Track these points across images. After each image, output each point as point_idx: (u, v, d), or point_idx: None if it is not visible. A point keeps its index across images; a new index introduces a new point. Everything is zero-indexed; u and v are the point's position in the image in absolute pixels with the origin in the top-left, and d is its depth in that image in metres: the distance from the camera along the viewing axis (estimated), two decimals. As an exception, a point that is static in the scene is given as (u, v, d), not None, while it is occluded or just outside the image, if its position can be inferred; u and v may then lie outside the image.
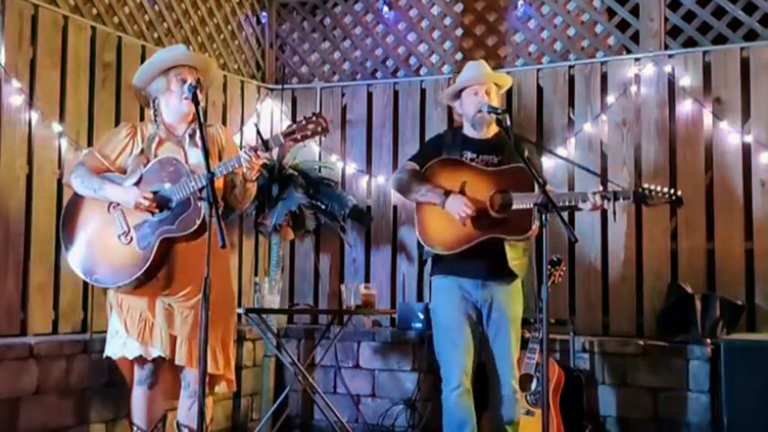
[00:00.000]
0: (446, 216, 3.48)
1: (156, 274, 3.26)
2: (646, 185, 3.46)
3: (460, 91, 3.70)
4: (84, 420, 4.03)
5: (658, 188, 3.41)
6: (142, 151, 3.35)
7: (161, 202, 3.24)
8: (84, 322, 4.32)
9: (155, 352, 3.26)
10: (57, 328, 4.18)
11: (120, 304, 3.29)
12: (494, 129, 3.67)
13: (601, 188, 3.58)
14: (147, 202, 3.21)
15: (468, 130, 3.70)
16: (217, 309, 3.25)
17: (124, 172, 3.35)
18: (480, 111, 3.56)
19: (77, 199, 3.36)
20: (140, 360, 3.31)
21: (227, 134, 3.55)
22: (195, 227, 3.18)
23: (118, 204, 3.28)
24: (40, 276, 4.11)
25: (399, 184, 3.67)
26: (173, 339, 3.26)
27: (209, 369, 3.22)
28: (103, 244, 3.28)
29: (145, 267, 3.20)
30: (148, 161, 3.33)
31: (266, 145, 3.18)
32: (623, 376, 4.49)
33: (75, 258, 3.32)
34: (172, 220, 3.24)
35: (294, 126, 3.16)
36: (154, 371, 3.37)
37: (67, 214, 3.36)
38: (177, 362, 3.26)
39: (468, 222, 3.45)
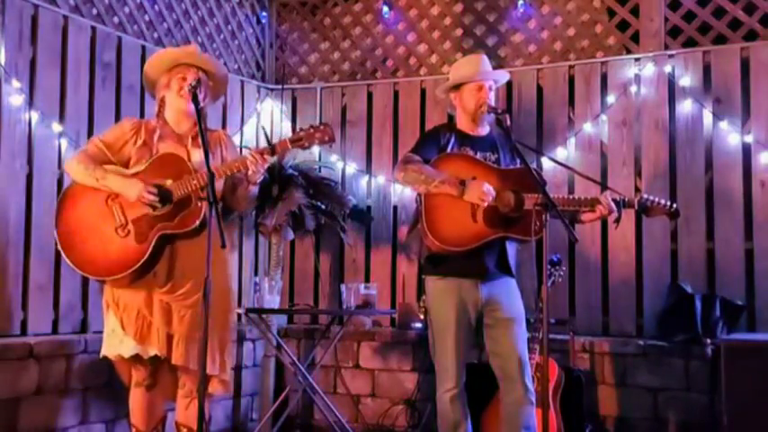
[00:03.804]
0: (455, 212, 3.39)
1: (152, 268, 3.25)
2: (646, 196, 3.56)
3: (460, 84, 3.64)
4: (84, 420, 4.03)
5: (658, 200, 3.55)
6: (145, 143, 3.35)
7: (163, 198, 3.24)
8: (84, 322, 4.32)
9: (151, 350, 3.25)
10: (57, 328, 4.18)
11: (117, 302, 3.27)
12: (490, 126, 3.67)
13: (602, 194, 3.55)
14: (151, 197, 3.21)
15: (465, 126, 3.63)
16: (213, 309, 3.25)
17: (125, 165, 3.34)
18: (482, 107, 3.54)
19: (72, 190, 3.33)
20: (137, 359, 3.30)
21: (232, 143, 3.57)
22: (194, 226, 3.19)
23: (116, 197, 3.27)
24: (40, 276, 4.11)
25: (408, 174, 3.44)
26: (169, 338, 3.25)
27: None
28: (99, 236, 3.25)
29: (141, 262, 3.20)
30: (151, 154, 3.32)
31: (273, 149, 3.24)
32: (623, 376, 4.49)
33: (69, 250, 3.26)
34: (171, 216, 3.24)
35: (302, 133, 3.26)
36: (152, 372, 3.37)
37: (61, 206, 3.32)
38: (174, 361, 3.25)
39: (479, 219, 3.40)
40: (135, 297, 3.26)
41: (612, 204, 3.46)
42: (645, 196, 3.57)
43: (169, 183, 3.26)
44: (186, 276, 3.25)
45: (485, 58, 3.72)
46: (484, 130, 3.65)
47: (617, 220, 3.50)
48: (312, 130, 3.26)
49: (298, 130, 3.31)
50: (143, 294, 3.26)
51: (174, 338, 3.25)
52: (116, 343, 3.28)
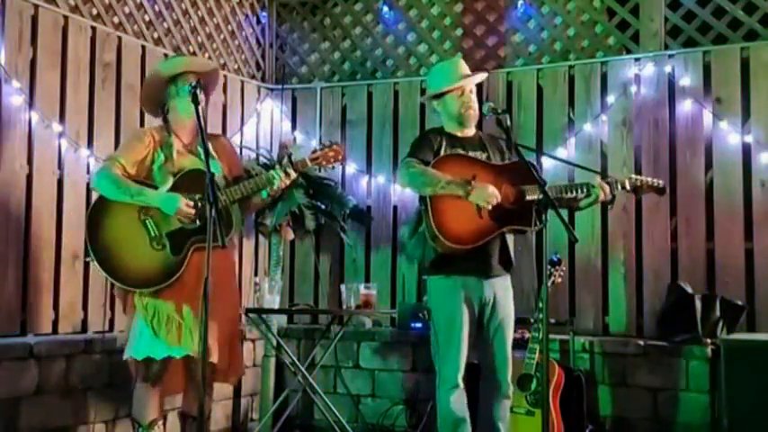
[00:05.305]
0: (460, 210, 3.43)
1: (184, 278, 3.35)
2: (634, 176, 3.68)
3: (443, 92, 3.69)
4: (84, 420, 4.02)
5: (645, 178, 3.70)
6: (166, 160, 3.42)
7: (200, 212, 3.34)
8: (84, 322, 4.32)
9: (183, 351, 3.33)
10: (57, 328, 4.18)
11: (146, 307, 3.35)
12: (475, 127, 3.74)
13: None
14: (191, 210, 3.32)
15: (452, 129, 3.69)
16: (232, 307, 3.52)
17: (146, 179, 3.42)
18: (470, 108, 3.62)
19: (102, 205, 3.41)
20: (167, 360, 3.36)
21: (234, 149, 3.80)
22: (224, 243, 3.21)
23: (149, 210, 3.37)
24: (40, 276, 4.10)
25: (413, 178, 3.49)
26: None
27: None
28: (134, 249, 3.35)
29: (179, 273, 3.32)
30: (177, 170, 3.40)
31: (295, 168, 3.50)
32: (623, 376, 4.49)
33: (105, 263, 3.35)
34: (204, 229, 3.30)
35: (318, 153, 3.58)
36: (160, 369, 3.40)
37: (93, 221, 3.40)
38: (211, 360, 3.34)
39: (485, 215, 3.44)
40: (165, 303, 3.35)
41: (606, 186, 3.55)
42: (633, 176, 3.67)
43: (198, 197, 3.35)
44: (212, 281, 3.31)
45: (461, 61, 3.77)
46: (470, 131, 3.72)
47: (611, 202, 3.63)
48: (327, 150, 3.58)
49: (315, 148, 3.63)
50: (172, 300, 3.35)
51: (209, 340, 3.31)
52: (144, 345, 3.34)
